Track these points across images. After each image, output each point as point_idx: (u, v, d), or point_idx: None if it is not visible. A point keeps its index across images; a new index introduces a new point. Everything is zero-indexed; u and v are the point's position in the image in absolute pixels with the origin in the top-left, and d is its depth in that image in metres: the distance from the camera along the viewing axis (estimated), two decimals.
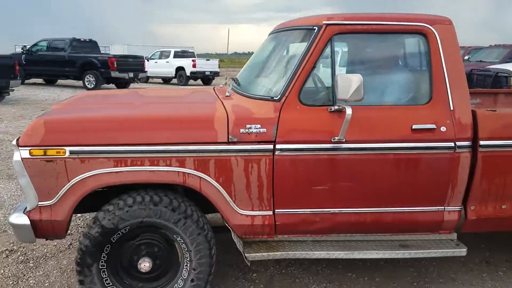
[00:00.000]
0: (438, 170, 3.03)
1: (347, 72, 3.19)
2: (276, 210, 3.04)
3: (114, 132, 2.84)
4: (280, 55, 3.35)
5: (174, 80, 26.27)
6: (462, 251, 3.18)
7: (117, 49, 41.65)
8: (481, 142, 3.03)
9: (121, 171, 2.83)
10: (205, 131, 2.88)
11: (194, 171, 2.88)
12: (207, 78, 26.24)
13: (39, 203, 2.86)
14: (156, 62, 26.73)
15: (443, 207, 3.14)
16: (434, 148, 3.00)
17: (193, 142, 2.86)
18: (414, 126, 2.98)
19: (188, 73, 25.21)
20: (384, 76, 3.28)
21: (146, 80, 27.01)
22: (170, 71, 26.02)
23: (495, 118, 3.09)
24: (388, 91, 3.24)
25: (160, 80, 28.02)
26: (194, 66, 25.30)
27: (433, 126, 2.99)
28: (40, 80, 23.30)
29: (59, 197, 2.84)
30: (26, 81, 22.28)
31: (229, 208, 2.99)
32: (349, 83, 2.71)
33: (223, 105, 3.08)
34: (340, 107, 2.91)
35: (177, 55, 26.51)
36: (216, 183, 2.92)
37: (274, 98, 3.00)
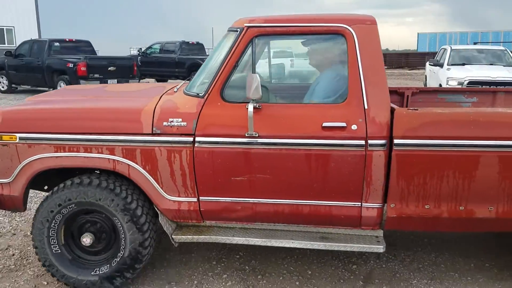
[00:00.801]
0: (350, 167, 3.12)
1: (269, 73, 3.39)
2: (200, 197, 3.34)
3: (55, 121, 3.33)
4: (215, 54, 3.61)
5: None
6: (379, 248, 3.24)
7: None
8: (396, 141, 3.06)
9: (60, 156, 3.32)
10: (132, 123, 3.27)
11: (123, 159, 3.28)
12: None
13: (0, 180, 3.45)
14: None
15: (359, 203, 3.22)
16: (343, 145, 3.10)
17: (122, 132, 3.26)
18: (324, 124, 3.11)
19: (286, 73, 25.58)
20: (304, 76, 3.43)
21: None
22: None
23: (412, 117, 3.08)
24: (307, 90, 3.38)
25: None
26: (291, 65, 25.64)
27: (343, 124, 3.10)
28: (153, 80, 25.18)
29: (14, 176, 3.40)
30: (141, 81, 24.24)
31: (157, 193, 3.34)
32: (251, 83, 2.95)
33: (158, 100, 3.43)
34: (257, 105, 3.14)
35: (276, 55, 27.02)
36: (143, 171, 3.29)
37: (200, 95, 3.31)
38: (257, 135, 3.14)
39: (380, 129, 3.09)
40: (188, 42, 23.18)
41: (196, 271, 3.79)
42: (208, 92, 3.26)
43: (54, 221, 3.37)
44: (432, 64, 14.87)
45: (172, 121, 3.23)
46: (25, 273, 3.81)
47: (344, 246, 3.27)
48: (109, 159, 3.28)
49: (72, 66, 14.90)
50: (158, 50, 23.17)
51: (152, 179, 3.30)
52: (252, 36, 3.22)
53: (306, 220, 3.35)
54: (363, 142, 3.09)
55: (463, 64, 12.95)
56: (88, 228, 3.48)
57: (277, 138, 3.15)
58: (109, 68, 15.64)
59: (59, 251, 3.45)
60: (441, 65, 13.57)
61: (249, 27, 3.23)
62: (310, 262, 3.94)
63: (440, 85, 12.58)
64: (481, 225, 3.25)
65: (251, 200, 3.30)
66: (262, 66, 3.51)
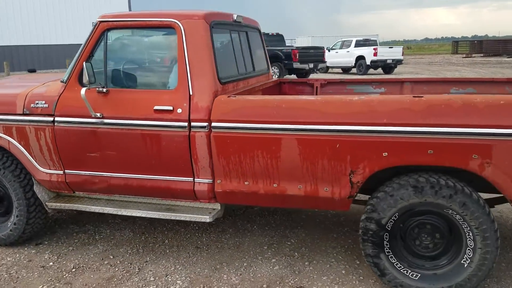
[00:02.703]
0: (178, 146, 3.47)
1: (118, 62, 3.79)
2: (66, 171, 3.85)
3: None
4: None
5: (354, 70, 26.41)
6: (206, 218, 3.57)
7: (302, 41, 43.24)
8: (213, 124, 3.38)
9: None
10: (10, 105, 3.86)
11: (3, 135, 3.89)
12: (388, 67, 25.70)
13: None
14: (336, 52, 27.25)
15: (192, 179, 3.55)
16: (170, 126, 3.45)
17: (2, 113, 3.87)
18: (155, 107, 3.48)
19: (368, 62, 25.08)
20: (144, 65, 3.81)
21: (326, 70, 27.82)
22: (350, 61, 26.24)
23: (227, 103, 3.37)
24: (145, 78, 3.76)
25: (339, 70, 28.51)
26: (375, 54, 24.97)
27: (170, 108, 3.44)
28: None
29: None
30: None
31: (33, 166, 3.91)
32: (84, 70, 3.40)
33: (38, 86, 3.97)
34: (103, 89, 3.58)
35: (359, 44, 26.57)
36: (19, 145, 3.87)
37: (63, 80, 3.80)
38: (101, 116, 3.57)
39: (201, 113, 3.40)
40: (268, 34, 23.47)
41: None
42: (68, 78, 3.75)
43: None
44: None
45: (37, 103, 3.76)
46: None
47: (179, 216, 3.63)
48: None
49: None
50: None
51: (27, 153, 3.87)
52: (104, 29, 3.65)
53: (152, 193, 3.73)
54: (185, 124, 3.41)
55: None
56: None
57: (118, 119, 3.57)
58: None
59: None
60: None
61: (101, 21, 3.67)
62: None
63: None
64: (294, 202, 3.46)
65: (105, 174, 3.75)
66: (122, 56, 3.91)
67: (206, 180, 3.53)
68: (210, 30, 3.54)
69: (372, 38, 28.50)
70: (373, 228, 3.23)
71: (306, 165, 3.26)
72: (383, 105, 3.11)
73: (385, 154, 3.10)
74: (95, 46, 3.67)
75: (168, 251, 4.14)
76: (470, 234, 3.12)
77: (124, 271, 3.80)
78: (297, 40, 46.31)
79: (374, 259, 3.30)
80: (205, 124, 3.38)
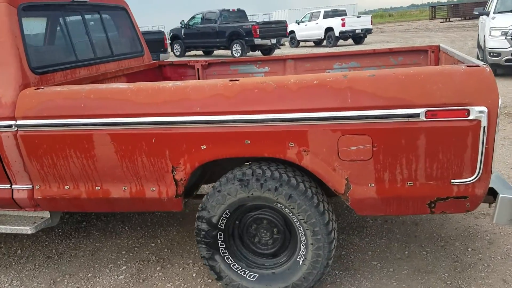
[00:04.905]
0: None
1: None
2: None
3: None
4: None
5: (325, 42, 25.93)
6: (27, 230, 3.21)
7: (279, 15, 42.54)
8: (18, 122, 3.00)
9: None
10: None
11: None
12: (358, 37, 25.42)
13: None
14: (306, 25, 26.73)
15: (9, 186, 3.21)
16: None
17: None
18: None
19: (337, 33, 24.68)
20: None
21: (297, 44, 27.35)
22: (319, 33, 25.75)
23: (32, 97, 3.00)
24: None
25: (311, 43, 28.00)
26: (343, 25, 24.61)
27: None
28: (200, 52, 25.22)
29: None
30: (187, 53, 24.37)
31: None
32: None
33: None
34: None
35: (327, 15, 26.10)
36: None
37: None
38: None
39: (6, 110, 3.02)
40: (228, 10, 22.96)
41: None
42: None
43: None
44: (477, 13, 13.01)
45: None
46: None
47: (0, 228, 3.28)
48: None
49: None
50: (200, 21, 23.03)
51: None
52: None
53: None
54: None
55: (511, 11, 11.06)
56: None
57: None
58: None
59: None
60: (488, 14, 11.74)
61: None
62: None
63: (484, 37, 11.14)
64: (121, 205, 3.15)
65: None
66: None
67: (25, 186, 3.19)
68: (18, 14, 3.16)
69: (340, 9, 27.96)
70: (204, 228, 2.96)
71: (125, 164, 2.95)
72: (196, 92, 2.78)
73: (203, 147, 2.80)
74: None
75: (14, 263, 3.77)
76: (301, 228, 2.85)
77: None
78: (274, 14, 45.65)
79: (210, 262, 3.04)
80: (11, 122, 3.02)
